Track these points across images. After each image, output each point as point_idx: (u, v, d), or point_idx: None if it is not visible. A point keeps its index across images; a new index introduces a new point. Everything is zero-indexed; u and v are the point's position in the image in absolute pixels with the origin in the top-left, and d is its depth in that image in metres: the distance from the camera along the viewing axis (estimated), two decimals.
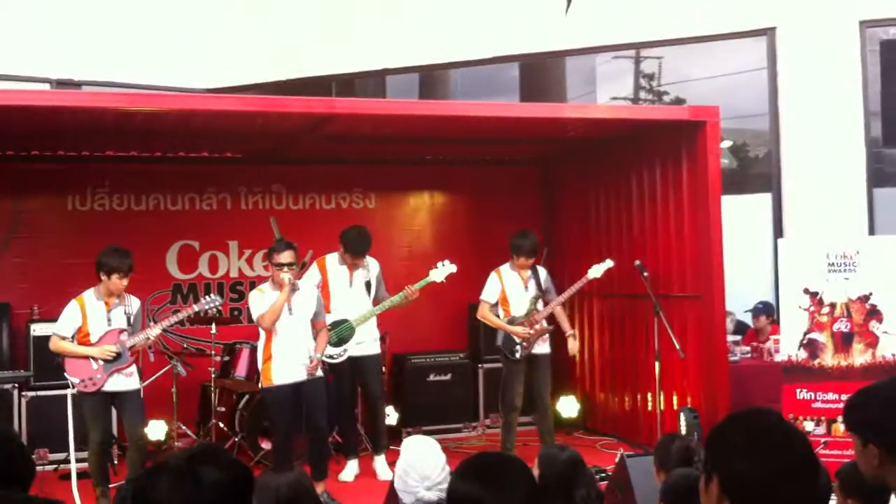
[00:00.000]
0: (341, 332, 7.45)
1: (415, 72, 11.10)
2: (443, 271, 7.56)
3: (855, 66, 9.12)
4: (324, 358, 7.06)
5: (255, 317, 6.75)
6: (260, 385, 6.91)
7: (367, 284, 7.60)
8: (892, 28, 8.42)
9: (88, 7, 9.93)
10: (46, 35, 9.63)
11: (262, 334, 6.76)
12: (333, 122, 7.47)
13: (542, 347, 7.63)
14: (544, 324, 7.61)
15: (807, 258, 7.20)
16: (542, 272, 7.76)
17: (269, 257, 6.86)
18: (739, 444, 1.98)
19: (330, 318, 7.34)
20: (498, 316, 7.63)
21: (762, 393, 7.50)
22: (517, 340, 7.52)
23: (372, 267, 7.69)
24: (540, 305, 7.63)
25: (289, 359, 6.62)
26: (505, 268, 7.72)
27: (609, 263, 7.77)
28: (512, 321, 7.57)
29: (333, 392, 7.41)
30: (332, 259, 7.65)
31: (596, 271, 7.72)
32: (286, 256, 6.65)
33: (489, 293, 7.69)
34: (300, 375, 6.60)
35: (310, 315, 6.76)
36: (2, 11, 9.43)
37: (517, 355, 7.52)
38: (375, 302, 7.61)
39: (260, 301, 6.71)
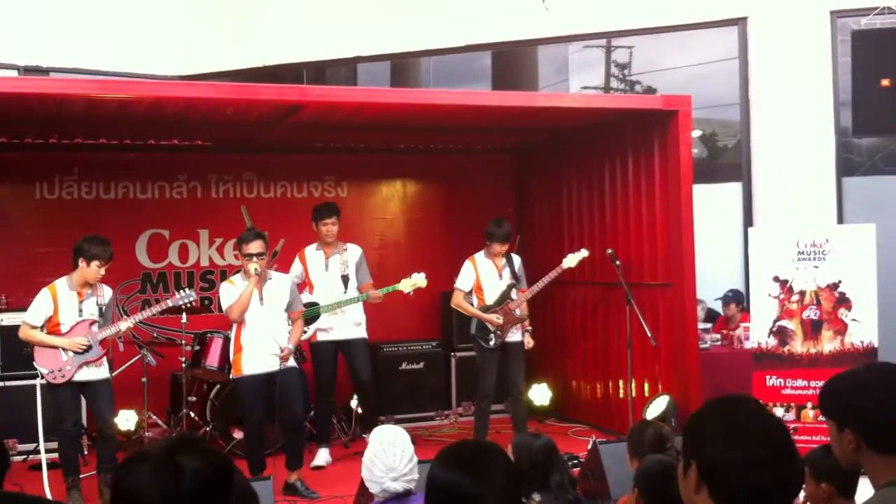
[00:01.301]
0: (309, 314, 7.46)
1: (387, 59, 11.06)
2: (410, 282, 7.55)
3: (825, 56, 9.19)
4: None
5: (224, 308, 6.72)
6: (231, 375, 6.86)
7: (345, 278, 7.58)
8: (863, 18, 8.47)
9: None
10: (13, 21, 9.49)
11: (234, 325, 6.72)
12: (305, 109, 7.42)
13: (516, 335, 7.65)
14: (518, 312, 7.63)
15: (776, 247, 7.27)
16: (517, 260, 7.78)
17: (238, 247, 6.81)
18: (717, 432, 1.99)
19: (305, 299, 7.42)
20: (472, 304, 7.64)
21: (733, 380, 7.58)
22: (491, 329, 7.53)
23: (351, 253, 7.68)
24: (514, 294, 7.64)
25: (260, 349, 6.57)
26: (479, 256, 7.73)
27: (584, 253, 7.79)
28: (486, 309, 7.58)
29: (312, 376, 7.43)
30: (311, 247, 7.70)
31: (570, 261, 7.75)
32: (255, 246, 6.60)
33: (463, 281, 7.70)
34: (272, 366, 6.55)
35: (282, 305, 6.72)
36: None
37: (491, 343, 7.54)
38: (361, 287, 7.59)
39: (229, 293, 6.68)
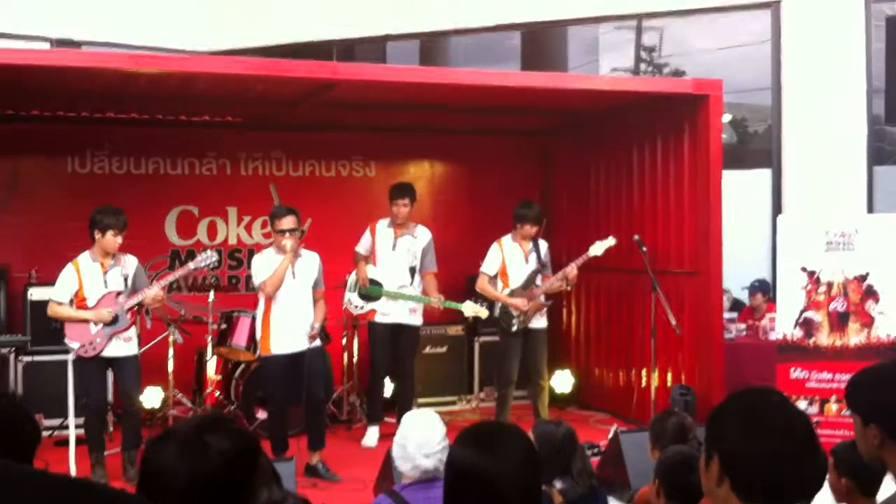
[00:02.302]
0: (371, 291, 7.58)
1: (416, 38, 11.03)
2: (472, 308, 7.47)
3: (859, 42, 9.08)
4: (347, 306, 7.47)
5: (256, 283, 6.72)
6: (258, 353, 6.89)
7: (412, 269, 7.63)
8: None
9: None
10: None
11: (262, 302, 6.73)
12: (336, 87, 7.41)
13: (540, 322, 7.64)
14: (542, 298, 7.61)
15: (805, 236, 7.19)
16: (543, 246, 7.75)
17: (270, 223, 6.82)
18: (740, 424, 1.99)
19: (371, 273, 7.57)
20: (497, 288, 7.64)
21: (756, 371, 7.53)
22: (514, 314, 7.52)
23: (420, 236, 7.72)
24: (539, 280, 7.63)
25: (289, 327, 6.60)
26: (506, 239, 7.71)
27: (611, 241, 7.70)
28: (511, 294, 7.57)
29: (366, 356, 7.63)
30: (383, 222, 7.75)
31: (597, 248, 7.66)
32: (288, 222, 6.61)
33: (489, 265, 7.69)
34: (300, 345, 6.58)
35: (311, 283, 6.75)
36: None
37: (514, 328, 7.53)
38: (423, 273, 7.64)
39: (263, 267, 6.67)
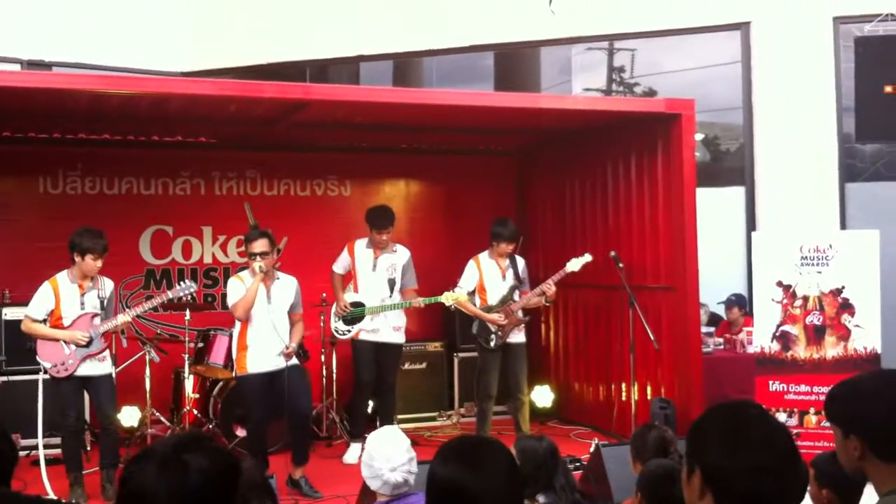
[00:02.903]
0: (354, 314, 7.60)
1: (389, 59, 11.06)
2: (452, 296, 7.52)
3: (828, 62, 9.20)
4: (334, 332, 7.55)
5: (229, 305, 6.74)
6: (234, 373, 6.87)
7: (391, 281, 7.65)
8: (866, 24, 8.48)
9: None
10: (16, 15, 9.48)
11: (238, 322, 6.72)
12: (308, 107, 7.42)
13: (518, 337, 7.66)
14: (520, 314, 7.64)
15: (780, 251, 7.27)
16: (521, 262, 7.79)
17: (244, 245, 6.82)
18: (720, 438, 1.99)
19: (351, 298, 7.60)
20: (474, 304, 7.65)
21: (735, 384, 7.58)
22: (492, 329, 7.54)
23: (400, 255, 7.75)
24: (516, 296, 7.65)
25: (265, 347, 6.58)
26: (483, 256, 7.75)
27: (588, 258, 7.73)
28: (488, 310, 7.59)
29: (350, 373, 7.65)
30: (361, 243, 7.77)
31: (574, 265, 7.69)
32: (260, 245, 6.59)
33: (466, 281, 7.72)
34: (276, 364, 6.55)
35: (287, 307, 6.74)
36: None
37: (492, 344, 7.56)
38: (403, 290, 7.68)
39: (236, 289, 6.68)
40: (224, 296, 8.96)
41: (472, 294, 7.70)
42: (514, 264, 7.70)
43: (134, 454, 2.03)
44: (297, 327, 6.80)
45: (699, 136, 9.76)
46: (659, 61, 10.64)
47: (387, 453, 3.74)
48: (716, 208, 9.14)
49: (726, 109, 10.00)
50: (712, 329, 8.71)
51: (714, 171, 10.26)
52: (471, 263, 7.75)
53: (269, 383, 6.58)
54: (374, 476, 3.76)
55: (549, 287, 7.59)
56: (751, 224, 9.25)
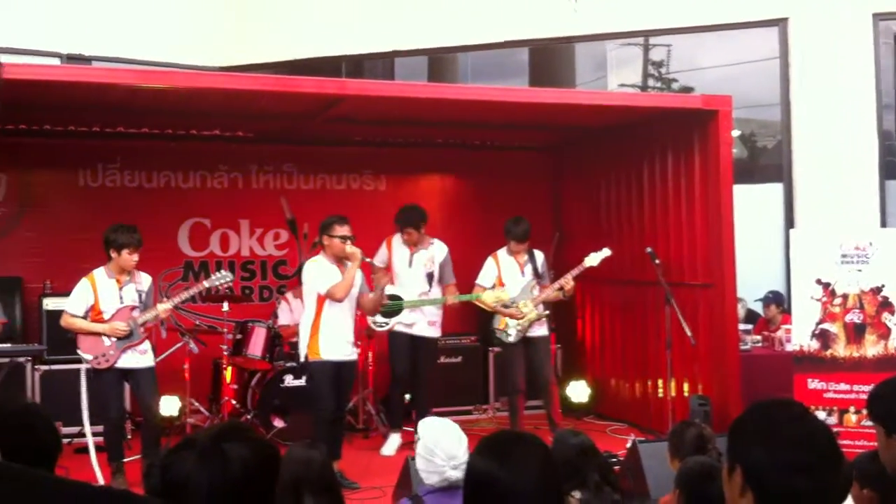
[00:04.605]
0: (391, 307, 7.61)
1: (424, 54, 11.07)
2: (494, 295, 7.57)
3: (868, 59, 9.10)
4: (371, 324, 7.53)
5: (322, 289, 6.57)
6: (304, 357, 6.72)
7: (430, 275, 7.69)
8: None
9: None
10: (56, 9, 9.59)
11: (311, 308, 6.63)
12: (344, 102, 7.45)
13: (540, 330, 7.70)
14: (540, 308, 7.65)
15: (819, 249, 7.19)
16: (539, 257, 7.81)
17: (324, 230, 6.72)
18: (762, 435, 1.98)
19: (390, 291, 7.53)
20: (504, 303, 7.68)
21: (773, 382, 7.51)
22: (511, 323, 7.58)
23: (437, 251, 7.77)
24: (535, 290, 7.67)
25: (339, 335, 6.59)
26: (501, 252, 7.80)
27: (606, 252, 7.76)
28: (507, 305, 7.60)
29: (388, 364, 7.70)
30: (397, 238, 7.80)
31: (593, 259, 7.73)
32: (348, 229, 6.62)
33: (485, 277, 7.78)
34: (346, 354, 6.61)
35: (357, 290, 6.75)
36: None
37: (511, 338, 7.58)
38: (442, 285, 7.72)
39: (322, 273, 6.60)
40: (262, 288, 9.09)
41: (490, 290, 7.72)
42: (532, 259, 7.74)
43: (174, 444, 2.05)
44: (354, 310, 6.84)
45: (736, 133, 9.68)
46: (696, 57, 10.57)
47: (450, 450, 3.69)
48: (753, 205, 9.06)
49: (764, 106, 9.92)
50: (750, 326, 8.63)
51: (751, 168, 10.18)
52: (489, 260, 7.83)
53: (337, 373, 6.60)
54: (434, 471, 3.70)
55: (568, 281, 7.63)
56: (789, 221, 9.17)
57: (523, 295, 7.67)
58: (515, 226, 7.66)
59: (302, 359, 6.76)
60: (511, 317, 7.59)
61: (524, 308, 7.62)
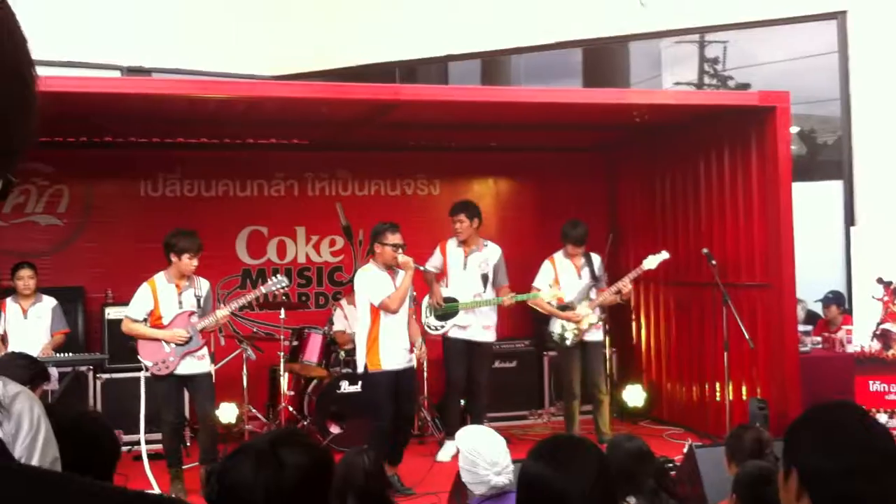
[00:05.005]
0: (447, 310, 7.62)
1: (477, 58, 11.08)
2: (552, 293, 7.57)
3: None
4: (426, 328, 7.48)
5: (375, 300, 6.54)
6: (364, 368, 6.70)
7: (485, 277, 7.67)
8: None
9: None
10: (117, 23, 9.80)
11: (366, 318, 6.61)
12: (399, 108, 7.50)
13: (595, 335, 7.66)
14: (597, 312, 7.61)
15: (880, 247, 7.06)
16: (597, 260, 7.77)
17: (375, 238, 6.70)
18: (819, 439, 1.96)
19: (445, 293, 7.59)
20: (550, 303, 7.64)
21: (833, 384, 7.38)
22: (568, 327, 7.53)
23: (491, 252, 7.75)
24: (593, 294, 7.63)
25: (396, 344, 6.58)
26: (558, 255, 7.78)
27: (664, 255, 7.69)
28: (563, 308, 7.57)
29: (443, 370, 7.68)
30: (452, 242, 7.81)
31: (651, 262, 7.66)
32: (399, 237, 6.61)
33: (541, 280, 7.75)
34: (404, 362, 6.60)
35: (410, 302, 6.75)
36: (74, 1, 9.61)
37: (568, 342, 7.55)
38: (496, 288, 7.68)
39: (376, 283, 6.58)
40: (319, 294, 9.17)
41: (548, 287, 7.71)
42: (589, 262, 7.70)
43: (231, 450, 2.09)
44: (412, 320, 6.85)
45: (794, 129, 9.53)
46: (753, 53, 10.43)
47: (490, 457, 3.70)
48: (813, 203, 8.91)
49: (823, 101, 9.75)
50: (810, 327, 8.49)
51: (810, 165, 10.02)
52: (545, 263, 7.79)
53: (397, 381, 6.59)
54: (479, 482, 3.71)
55: (626, 285, 7.58)
56: (849, 219, 8.98)
57: (580, 298, 7.64)
58: (573, 229, 7.63)
59: (360, 369, 6.71)
60: (568, 320, 7.56)
61: (581, 311, 7.59)
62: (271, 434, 2.13)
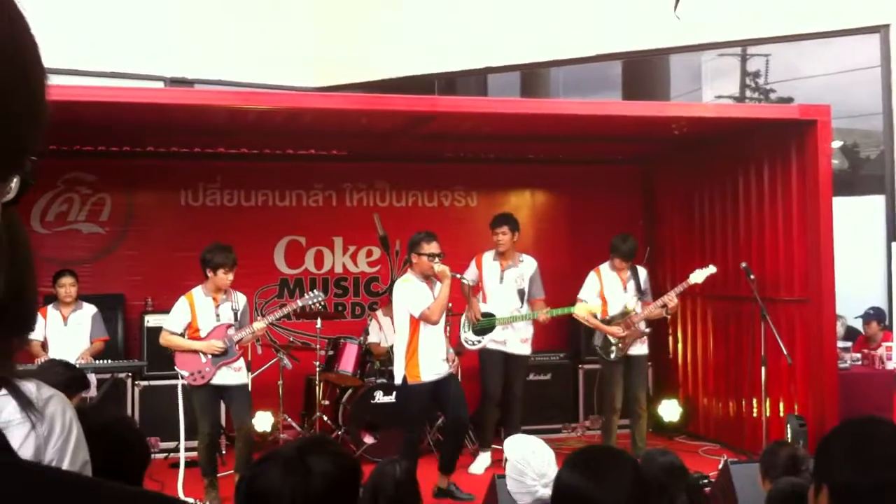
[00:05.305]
0: (485, 325, 7.62)
1: (517, 70, 11.10)
2: (586, 307, 7.56)
3: None
4: (463, 342, 7.48)
5: (415, 311, 6.50)
6: (403, 379, 6.64)
7: (521, 292, 7.68)
8: None
9: (200, 8, 10.24)
10: (161, 35, 9.95)
11: (405, 329, 6.58)
12: (436, 120, 7.54)
13: (640, 349, 7.60)
14: (642, 326, 7.55)
15: None
16: (643, 274, 7.71)
17: (412, 248, 6.69)
18: (850, 454, 1.94)
19: (483, 308, 7.59)
20: (595, 316, 7.60)
21: (873, 401, 7.27)
22: (613, 341, 7.49)
23: (527, 267, 7.76)
24: (638, 307, 7.57)
25: (435, 354, 6.56)
26: (604, 267, 7.72)
27: (712, 269, 7.60)
28: (609, 321, 7.53)
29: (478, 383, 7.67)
30: (488, 255, 7.82)
31: (698, 276, 7.57)
32: (436, 246, 6.57)
33: (587, 292, 7.70)
34: (443, 371, 6.59)
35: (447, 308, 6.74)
36: (119, 11, 9.78)
37: (612, 356, 7.51)
38: (532, 301, 7.69)
39: (415, 294, 6.55)
40: (354, 305, 9.22)
41: (584, 303, 7.68)
42: (635, 276, 7.64)
43: (258, 457, 2.12)
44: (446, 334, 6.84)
45: (837, 144, 9.43)
46: (794, 66, 10.34)
47: (539, 468, 3.69)
48: (854, 217, 8.79)
49: (867, 115, 9.63)
50: (849, 344, 8.37)
51: (852, 179, 9.90)
52: (591, 275, 7.74)
53: (432, 392, 6.58)
54: (526, 492, 3.69)
55: (672, 299, 7.49)
56: (891, 234, 8.85)
57: (625, 311, 7.58)
58: (623, 243, 7.60)
59: (399, 380, 6.68)
60: (611, 334, 7.51)
61: (615, 328, 7.53)
62: (299, 441, 2.15)
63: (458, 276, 6.98)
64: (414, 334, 6.54)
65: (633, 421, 7.61)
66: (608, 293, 7.65)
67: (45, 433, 1.69)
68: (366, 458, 7.27)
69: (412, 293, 6.56)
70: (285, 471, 2.04)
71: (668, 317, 7.79)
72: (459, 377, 8.22)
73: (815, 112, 7.49)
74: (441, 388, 6.56)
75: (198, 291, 6.75)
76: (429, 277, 6.60)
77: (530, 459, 3.71)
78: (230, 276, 6.63)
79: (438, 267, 6.50)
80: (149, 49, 9.86)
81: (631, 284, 7.62)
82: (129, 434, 2.93)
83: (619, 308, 7.58)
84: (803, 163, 7.56)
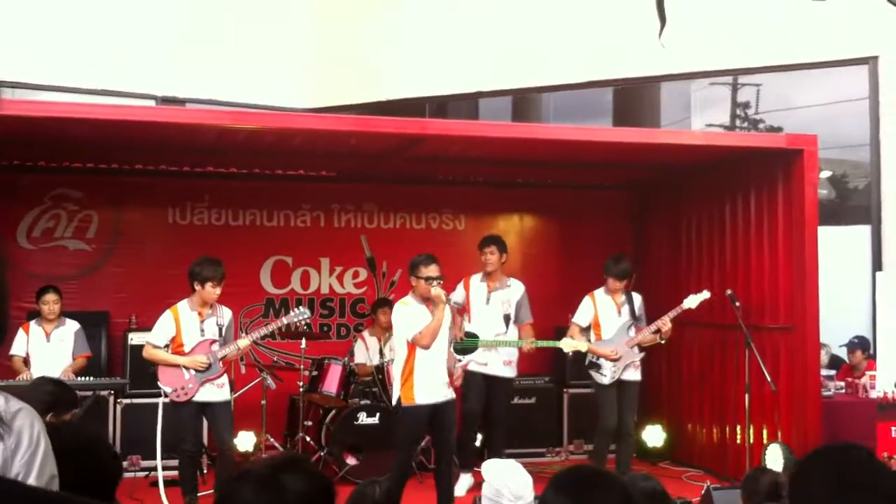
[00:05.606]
0: (467, 345, 7.59)
1: (508, 95, 11.14)
2: (573, 343, 7.50)
3: None
4: None
5: (409, 335, 6.39)
6: (398, 401, 6.54)
7: (507, 317, 7.70)
8: None
9: (193, 28, 10.28)
10: (152, 54, 9.98)
11: (403, 352, 6.47)
12: (426, 142, 7.56)
13: (633, 374, 7.59)
14: (635, 351, 7.55)
15: None
16: (637, 299, 7.72)
17: (412, 271, 6.56)
18: (825, 480, 1.94)
19: (467, 328, 7.53)
20: (589, 340, 7.61)
21: (856, 430, 7.28)
22: (606, 365, 7.48)
23: (514, 291, 7.79)
24: (632, 332, 7.58)
25: (433, 377, 6.42)
26: (599, 292, 7.72)
27: (706, 294, 7.61)
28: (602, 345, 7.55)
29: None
30: (476, 277, 7.86)
31: (692, 301, 7.58)
32: (434, 269, 6.42)
33: (581, 316, 7.70)
34: (442, 395, 6.45)
35: (447, 333, 6.57)
36: (110, 30, 9.81)
37: (605, 380, 7.49)
38: (519, 326, 7.72)
39: (411, 317, 6.43)
40: (340, 325, 9.20)
41: (586, 330, 7.67)
42: (630, 301, 7.64)
43: (232, 475, 2.10)
44: (449, 352, 6.69)
45: (825, 174, 9.49)
46: (785, 96, 10.41)
47: (516, 490, 3.70)
48: (840, 247, 8.84)
49: (855, 146, 9.70)
50: (833, 372, 8.39)
51: (840, 209, 9.95)
52: (586, 299, 7.74)
53: (429, 416, 6.44)
54: None
55: (665, 324, 7.49)
56: (876, 264, 8.90)
57: (619, 336, 7.58)
58: (616, 264, 7.61)
59: (394, 402, 6.60)
60: (606, 358, 7.50)
61: (607, 350, 7.53)
62: (273, 459, 2.13)
63: (453, 300, 6.93)
64: (410, 357, 6.43)
65: (619, 444, 7.59)
66: (602, 317, 7.65)
67: (13, 446, 1.68)
68: (348, 479, 7.24)
69: (408, 316, 6.47)
70: (259, 489, 2.02)
71: (663, 342, 7.76)
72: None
73: (802, 141, 7.54)
74: (438, 414, 6.43)
75: (183, 306, 6.71)
76: (429, 300, 6.48)
77: (508, 481, 3.72)
78: (217, 291, 6.60)
79: (435, 291, 6.38)
80: (141, 68, 9.88)
81: (625, 309, 7.63)
82: (100, 450, 2.90)
83: (614, 332, 7.57)
84: (790, 191, 7.60)
